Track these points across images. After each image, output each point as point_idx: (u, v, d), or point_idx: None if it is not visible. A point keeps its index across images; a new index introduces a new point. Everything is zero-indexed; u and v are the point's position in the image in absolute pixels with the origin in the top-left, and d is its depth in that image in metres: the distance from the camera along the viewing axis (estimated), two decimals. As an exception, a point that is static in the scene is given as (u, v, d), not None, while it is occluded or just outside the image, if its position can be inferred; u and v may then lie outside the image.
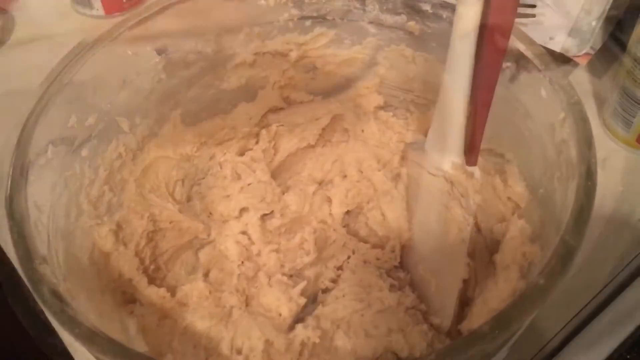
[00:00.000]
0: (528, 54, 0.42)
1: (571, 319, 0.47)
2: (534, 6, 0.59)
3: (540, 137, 0.42)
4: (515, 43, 0.42)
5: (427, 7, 0.47)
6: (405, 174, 0.46)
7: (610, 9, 0.59)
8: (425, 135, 0.44)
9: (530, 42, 0.42)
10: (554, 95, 0.40)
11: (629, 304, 0.43)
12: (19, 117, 0.39)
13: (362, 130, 0.52)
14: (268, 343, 0.41)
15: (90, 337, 0.30)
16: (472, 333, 0.29)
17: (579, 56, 0.62)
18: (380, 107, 0.55)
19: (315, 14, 0.51)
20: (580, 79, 0.66)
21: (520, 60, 0.43)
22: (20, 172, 0.37)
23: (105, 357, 0.30)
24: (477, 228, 0.44)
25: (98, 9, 0.73)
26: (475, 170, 0.39)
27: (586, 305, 0.47)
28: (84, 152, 0.44)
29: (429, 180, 0.42)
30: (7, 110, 0.40)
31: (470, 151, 0.39)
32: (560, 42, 0.60)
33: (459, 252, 0.39)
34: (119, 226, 0.47)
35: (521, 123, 0.44)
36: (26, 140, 0.38)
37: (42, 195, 0.39)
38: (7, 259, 0.45)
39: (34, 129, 0.39)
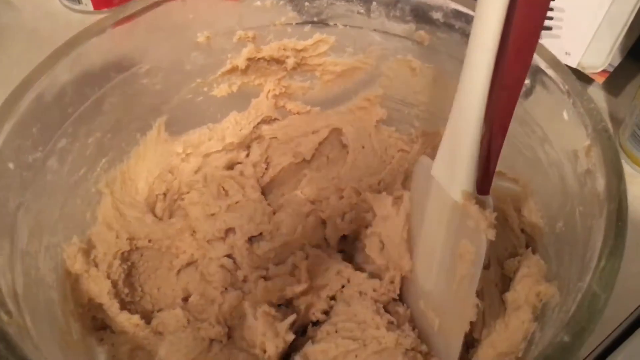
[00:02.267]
0: (549, 72, 0.38)
1: (603, 340, 0.43)
2: (550, 18, 0.55)
3: (559, 164, 0.38)
4: (535, 59, 0.38)
5: (438, 16, 0.43)
6: (408, 198, 0.42)
7: (630, 25, 0.55)
8: (432, 154, 0.40)
9: (552, 58, 0.38)
10: (577, 119, 0.36)
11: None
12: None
13: (363, 147, 0.48)
14: (250, 384, 0.37)
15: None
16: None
17: (595, 73, 0.58)
18: (383, 122, 0.51)
19: (315, 19, 0.47)
20: (596, 97, 0.62)
21: (540, 78, 0.39)
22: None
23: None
24: (486, 262, 0.40)
25: (86, 4, 0.70)
26: (489, 200, 0.35)
27: (618, 326, 0.44)
28: (52, 163, 0.39)
29: (435, 208, 0.37)
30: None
31: (484, 179, 0.35)
32: (577, 58, 0.56)
33: (467, 291, 0.35)
34: (90, 245, 0.43)
35: (538, 147, 0.40)
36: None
37: (2, 210, 0.35)
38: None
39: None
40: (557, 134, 0.39)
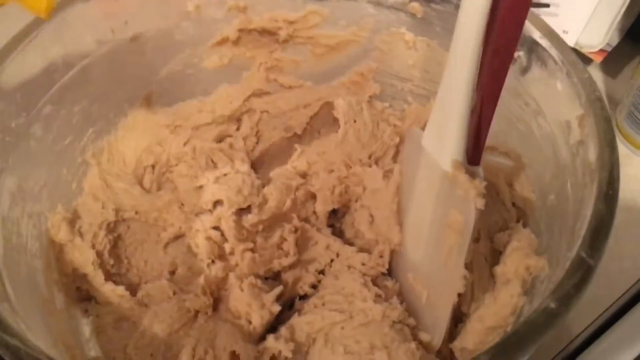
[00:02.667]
0: (543, 42, 0.38)
1: (597, 318, 0.43)
2: (548, -5, 0.54)
3: (552, 136, 0.38)
4: (529, 29, 0.37)
5: (432, -13, 0.42)
6: (398, 170, 0.41)
7: (629, 4, 0.54)
8: (423, 128, 0.40)
9: (546, 28, 0.38)
10: (571, 89, 0.36)
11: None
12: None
13: (354, 121, 0.47)
14: (233, 355, 0.36)
15: (15, 354, 0.25)
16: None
17: (593, 53, 0.57)
18: (376, 96, 0.50)
19: (307, -11, 0.46)
20: (593, 77, 0.61)
21: (533, 48, 0.38)
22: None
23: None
24: (476, 235, 0.39)
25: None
26: (479, 170, 0.34)
27: (612, 304, 0.43)
28: (37, 130, 0.39)
29: (425, 179, 0.37)
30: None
31: (474, 149, 0.34)
32: (574, 37, 0.55)
33: (455, 262, 0.34)
34: (75, 214, 0.42)
35: (531, 120, 0.40)
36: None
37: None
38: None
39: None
40: (550, 106, 0.38)
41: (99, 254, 0.42)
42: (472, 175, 0.34)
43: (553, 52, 0.37)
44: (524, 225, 0.39)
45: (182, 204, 0.46)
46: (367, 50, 0.49)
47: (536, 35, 0.38)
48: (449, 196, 0.34)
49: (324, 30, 0.48)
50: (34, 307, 0.35)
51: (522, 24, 0.30)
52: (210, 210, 0.45)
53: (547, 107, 0.38)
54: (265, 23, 0.47)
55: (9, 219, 0.36)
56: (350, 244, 0.44)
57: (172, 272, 0.44)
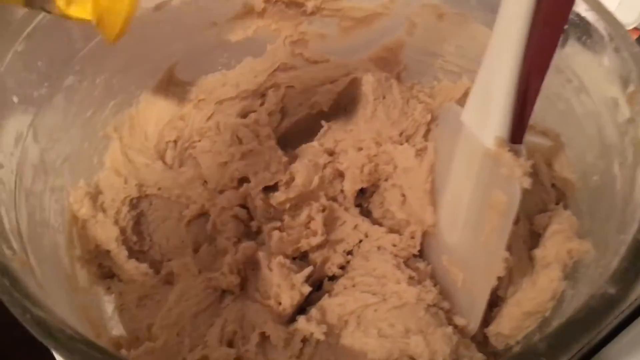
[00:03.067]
0: (589, 15, 0.36)
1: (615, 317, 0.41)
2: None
3: (597, 114, 0.36)
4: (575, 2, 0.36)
5: (469, -43, 0.41)
6: (433, 149, 0.39)
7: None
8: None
9: (593, 1, 0.36)
10: (620, 65, 0.34)
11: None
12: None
13: (383, 97, 0.45)
14: (263, 336, 0.35)
15: (41, 325, 0.24)
16: (525, 352, 0.23)
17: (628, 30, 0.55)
18: (404, 72, 0.48)
19: (337, -40, 0.45)
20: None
21: (578, 22, 0.36)
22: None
23: (61, 353, 0.24)
24: (515, 217, 0.38)
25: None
26: (521, 149, 0.33)
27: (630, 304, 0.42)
28: (59, 101, 0.37)
29: (463, 157, 0.35)
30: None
31: (517, 126, 0.32)
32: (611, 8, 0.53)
33: (497, 244, 0.33)
34: (97, 190, 0.41)
35: (572, 97, 0.38)
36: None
37: (4, 149, 0.33)
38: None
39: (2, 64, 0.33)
40: (595, 82, 0.36)
41: (122, 230, 0.40)
42: (516, 153, 0.32)
43: (600, 25, 0.35)
44: (564, 207, 0.37)
45: (205, 182, 0.45)
46: (396, 24, 0.47)
47: (582, 8, 0.36)
48: (492, 175, 0.33)
49: (353, 2, 0.46)
50: (58, 283, 0.34)
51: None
52: (235, 188, 0.43)
53: (592, 84, 0.36)
54: (293, -6, 0.45)
55: (32, 192, 0.35)
56: (378, 224, 0.43)
57: (195, 250, 0.43)
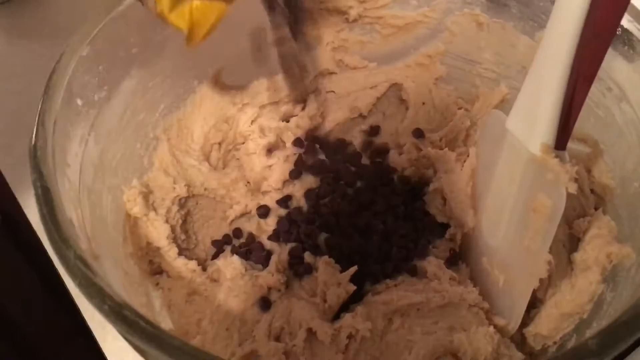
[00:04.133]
0: (631, 26, 0.37)
1: None
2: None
3: (636, 122, 0.37)
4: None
5: (511, -33, 0.42)
6: (474, 153, 0.41)
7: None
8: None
9: (635, 12, 0.37)
10: (661, 74, 0.35)
11: None
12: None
13: (423, 103, 0.47)
14: (310, 332, 0.37)
15: (121, 314, 0.26)
16: (578, 350, 0.24)
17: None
18: (442, 79, 0.49)
19: (380, -31, 0.46)
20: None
21: (619, 33, 0.37)
22: (46, 121, 0.32)
23: (136, 339, 0.25)
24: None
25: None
26: (565, 155, 0.34)
27: None
28: (116, 104, 0.39)
29: (507, 162, 0.36)
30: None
31: (562, 133, 0.34)
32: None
33: (540, 247, 0.34)
34: (149, 189, 0.42)
35: (612, 105, 0.39)
36: (54, 86, 0.34)
37: (70, 149, 0.34)
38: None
39: (64, 75, 0.34)
40: (636, 91, 0.37)
41: (172, 229, 0.42)
42: (561, 159, 0.33)
43: (640, 35, 0.36)
44: (604, 213, 0.38)
45: (248, 182, 0.46)
46: (436, 32, 0.48)
47: (624, 19, 0.37)
48: (536, 180, 0.34)
49: (394, 10, 0.48)
50: (116, 278, 0.36)
51: (627, 3, 0.29)
52: (279, 189, 0.45)
53: (633, 93, 0.37)
54: (337, 2, 0.46)
55: (93, 190, 0.36)
56: (418, 227, 0.44)
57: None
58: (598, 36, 0.30)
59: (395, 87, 0.49)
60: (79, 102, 0.36)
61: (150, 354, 0.27)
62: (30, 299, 0.42)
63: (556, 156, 0.33)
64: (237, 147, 0.48)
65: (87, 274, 0.26)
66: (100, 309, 0.26)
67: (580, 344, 0.25)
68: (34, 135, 0.32)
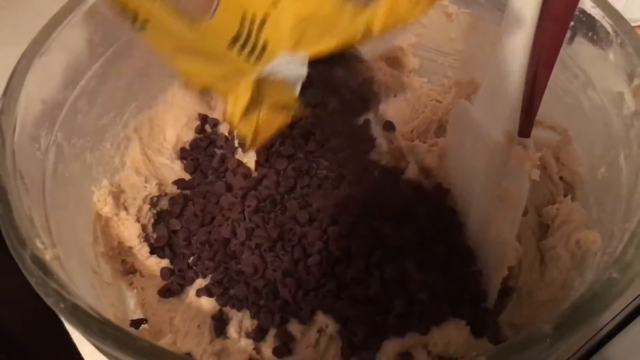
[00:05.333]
0: (595, 11, 0.37)
1: (622, 310, 0.42)
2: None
3: (602, 108, 0.37)
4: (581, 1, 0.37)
5: (477, -43, 0.42)
6: (443, 144, 0.41)
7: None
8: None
9: (598, -2, 0.37)
10: (625, 59, 0.35)
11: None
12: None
13: (394, 95, 0.47)
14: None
15: (75, 313, 0.26)
16: (532, 334, 0.24)
17: (637, 26, 0.56)
18: (415, 71, 0.49)
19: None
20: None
21: (584, 19, 0.37)
22: (2, 122, 0.32)
23: (94, 339, 0.25)
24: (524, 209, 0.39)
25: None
26: (529, 142, 0.34)
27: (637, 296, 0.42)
28: (82, 104, 0.39)
29: (473, 151, 0.36)
30: None
31: (525, 120, 0.34)
32: (619, 5, 0.54)
33: (507, 234, 0.34)
34: (120, 189, 0.42)
35: (579, 92, 0.39)
36: (13, 87, 0.34)
37: (33, 150, 0.34)
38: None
39: (23, 75, 0.34)
40: (601, 77, 0.37)
41: (144, 228, 0.42)
42: (525, 147, 0.33)
43: (605, 22, 0.36)
44: (572, 199, 0.38)
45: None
46: (406, 24, 0.48)
47: (587, 5, 0.37)
48: (501, 168, 0.34)
49: (363, 4, 0.47)
50: (85, 279, 0.36)
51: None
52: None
53: (598, 79, 0.37)
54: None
55: (59, 191, 0.36)
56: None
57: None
58: (555, 21, 0.30)
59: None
60: (41, 102, 0.35)
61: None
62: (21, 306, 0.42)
63: (519, 144, 0.33)
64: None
65: (41, 275, 0.26)
66: (56, 307, 0.26)
67: (536, 329, 0.25)
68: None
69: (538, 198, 0.39)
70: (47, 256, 0.28)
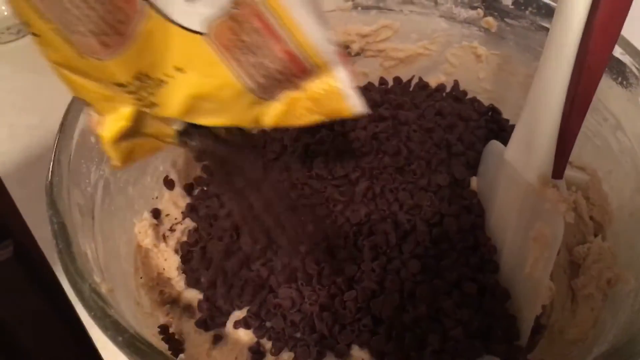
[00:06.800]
0: (624, 58, 0.38)
1: None
2: None
3: (632, 150, 0.38)
4: (610, 45, 0.38)
5: (507, 2, 0.43)
6: (475, 184, 0.42)
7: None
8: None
9: (626, 44, 0.38)
10: (654, 105, 0.36)
11: None
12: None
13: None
14: None
15: (134, 345, 0.27)
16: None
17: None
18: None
19: (380, 4, 0.48)
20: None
21: (613, 65, 0.39)
22: (62, 159, 0.34)
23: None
24: (556, 248, 0.39)
25: None
26: (562, 184, 0.35)
27: None
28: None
29: (506, 192, 0.37)
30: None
31: (559, 163, 0.35)
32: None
33: (541, 274, 0.35)
34: (159, 221, 0.44)
35: (609, 134, 0.40)
36: (69, 125, 0.35)
37: (85, 185, 0.36)
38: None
39: (78, 113, 0.36)
40: (630, 120, 0.38)
41: (182, 260, 0.43)
42: (558, 189, 0.34)
43: (634, 67, 0.38)
44: (603, 239, 0.39)
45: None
46: (436, 64, 0.50)
47: (617, 52, 0.38)
48: (535, 210, 0.35)
49: (394, 43, 0.49)
50: (130, 310, 0.37)
51: (618, 34, 0.30)
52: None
53: (628, 122, 0.39)
54: (338, 36, 0.48)
55: (106, 224, 0.37)
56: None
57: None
58: (589, 69, 0.32)
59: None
60: (92, 139, 0.37)
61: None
62: (41, 326, 0.43)
63: (553, 186, 0.34)
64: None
65: (102, 307, 0.27)
66: (114, 340, 0.27)
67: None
68: (49, 173, 0.33)
69: (569, 237, 0.40)
70: (103, 289, 0.29)
